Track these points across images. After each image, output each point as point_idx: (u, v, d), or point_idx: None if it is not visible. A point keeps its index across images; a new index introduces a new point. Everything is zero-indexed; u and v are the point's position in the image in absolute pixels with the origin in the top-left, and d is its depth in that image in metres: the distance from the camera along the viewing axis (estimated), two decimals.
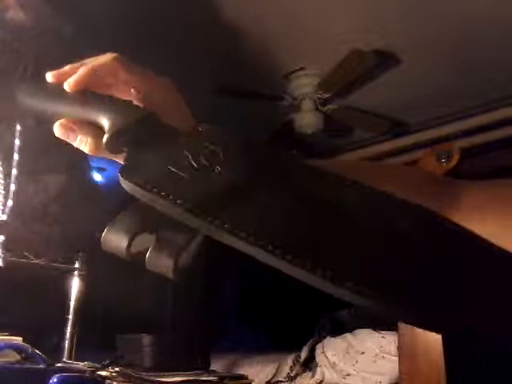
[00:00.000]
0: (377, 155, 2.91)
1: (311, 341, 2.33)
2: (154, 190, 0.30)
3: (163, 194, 0.30)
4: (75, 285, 1.82)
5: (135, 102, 0.39)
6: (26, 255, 1.69)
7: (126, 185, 0.31)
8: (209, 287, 3.20)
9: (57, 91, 0.39)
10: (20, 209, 1.51)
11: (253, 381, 1.92)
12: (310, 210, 0.30)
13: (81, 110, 0.38)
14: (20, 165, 1.53)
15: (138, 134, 0.35)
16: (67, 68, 0.39)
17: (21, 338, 1.32)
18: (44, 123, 0.42)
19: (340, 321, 2.43)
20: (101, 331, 2.12)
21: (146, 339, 1.79)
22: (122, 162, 0.35)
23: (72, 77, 0.38)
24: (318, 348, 2.24)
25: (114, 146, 0.35)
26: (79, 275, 1.83)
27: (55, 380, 1.04)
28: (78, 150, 0.40)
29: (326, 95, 2.42)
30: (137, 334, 1.85)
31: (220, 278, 3.43)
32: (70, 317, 1.77)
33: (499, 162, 2.58)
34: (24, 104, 0.42)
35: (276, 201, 0.30)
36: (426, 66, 2.26)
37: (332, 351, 2.15)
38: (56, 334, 1.86)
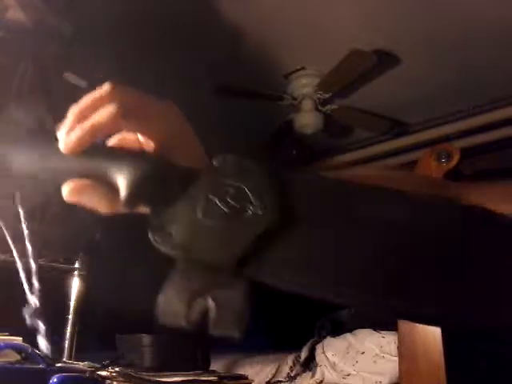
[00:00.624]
0: (377, 155, 2.91)
1: (311, 341, 2.33)
2: (191, 247, 0.29)
3: (202, 250, 0.28)
4: (75, 285, 1.82)
5: (144, 145, 0.36)
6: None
7: (162, 248, 0.29)
8: None
9: (55, 150, 0.35)
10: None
11: (253, 381, 1.92)
12: (371, 238, 0.27)
13: (87, 168, 0.35)
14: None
15: (156, 186, 0.32)
16: (66, 125, 0.35)
17: (21, 338, 1.32)
18: (48, 190, 0.38)
19: (340, 321, 2.43)
20: (101, 331, 2.11)
21: (146, 339, 1.79)
22: (146, 218, 0.32)
23: (70, 138, 0.34)
24: (318, 348, 2.24)
25: (133, 203, 0.33)
26: (79, 275, 1.82)
27: (55, 380, 1.03)
28: None
29: (326, 95, 2.42)
30: (137, 334, 1.84)
31: None
32: (70, 317, 1.77)
33: (499, 162, 2.58)
34: (20, 170, 0.37)
35: (330, 233, 0.28)
36: (426, 66, 2.26)
37: (332, 351, 2.15)
38: (56, 334, 1.86)
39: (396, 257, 0.26)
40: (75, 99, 0.38)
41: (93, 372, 1.28)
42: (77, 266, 1.84)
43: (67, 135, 0.34)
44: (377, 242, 0.27)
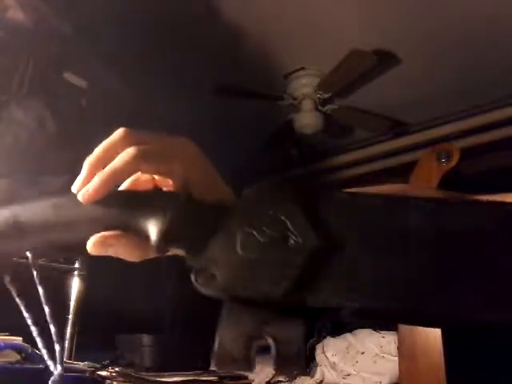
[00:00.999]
0: (377, 155, 2.91)
1: (311, 341, 2.33)
2: (237, 286, 0.27)
3: (248, 286, 0.27)
4: (75, 285, 1.82)
5: (163, 185, 0.35)
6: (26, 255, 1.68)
7: (207, 291, 0.28)
8: None
9: (72, 202, 0.33)
10: None
11: (253, 381, 1.92)
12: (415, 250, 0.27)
13: (110, 217, 0.32)
14: (20, 165, 1.53)
15: (188, 226, 0.31)
16: (83, 175, 0.34)
17: (21, 338, 1.32)
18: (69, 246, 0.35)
19: (340, 321, 2.43)
20: (101, 331, 2.11)
21: (146, 339, 1.79)
22: (187, 262, 0.31)
23: (91, 185, 0.32)
24: (318, 348, 2.24)
25: (166, 247, 0.31)
26: (79, 275, 1.82)
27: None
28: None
29: (326, 95, 2.42)
30: (137, 334, 1.85)
31: None
32: (70, 317, 1.77)
33: (499, 162, 2.58)
34: (35, 228, 0.33)
35: (372, 252, 0.28)
36: (426, 66, 2.26)
37: (332, 351, 2.15)
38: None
39: (445, 264, 0.26)
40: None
41: (93, 372, 1.28)
42: (77, 266, 1.84)
43: (84, 184, 0.33)
44: (422, 251, 0.27)
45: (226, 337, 0.28)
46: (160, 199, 0.32)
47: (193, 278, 0.29)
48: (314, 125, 2.48)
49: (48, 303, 0.39)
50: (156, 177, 0.35)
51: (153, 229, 0.31)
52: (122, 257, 0.34)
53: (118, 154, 0.32)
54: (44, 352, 0.36)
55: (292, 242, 0.28)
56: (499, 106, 2.47)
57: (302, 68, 2.35)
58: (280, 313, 0.28)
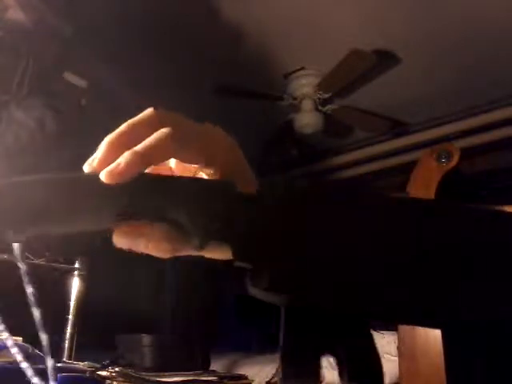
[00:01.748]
0: (377, 155, 2.91)
1: None
2: (291, 286, 0.25)
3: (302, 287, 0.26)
4: (75, 285, 1.82)
5: (200, 173, 0.31)
6: (26, 255, 1.68)
7: (269, 297, 0.26)
8: (209, 287, 3.20)
9: (92, 187, 0.26)
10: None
11: (253, 381, 1.92)
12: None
13: (139, 204, 0.27)
14: (20, 165, 1.53)
15: (233, 223, 0.27)
16: (99, 153, 0.28)
17: (21, 338, 1.32)
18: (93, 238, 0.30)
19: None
20: (101, 331, 2.11)
21: (146, 339, 1.79)
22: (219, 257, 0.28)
23: (114, 165, 0.27)
24: None
25: (208, 243, 0.26)
26: (79, 275, 1.82)
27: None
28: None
29: (326, 95, 2.42)
30: (137, 334, 1.85)
31: (220, 278, 3.43)
32: (70, 317, 1.77)
33: (499, 162, 2.58)
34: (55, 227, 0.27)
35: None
36: (426, 66, 2.26)
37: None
38: (56, 334, 1.86)
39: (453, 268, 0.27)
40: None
41: (93, 372, 1.28)
42: (77, 266, 1.84)
43: (102, 164, 0.27)
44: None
45: (292, 349, 0.26)
46: (204, 188, 0.28)
47: (249, 282, 0.25)
48: (314, 125, 2.48)
49: (39, 306, 0.32)
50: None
51: (195, 222, 0.26)
52: (150, 251, 0.29)
53: (146, 135, 0.28)
54: (28, 370, 0.33)
55: None
56: (499, 106, 2.47)
57: (302, 68, 2.35)
58: (347, 323, 0.27)
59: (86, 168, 0.28)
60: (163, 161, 0.29)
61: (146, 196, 0.27)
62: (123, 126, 0.28)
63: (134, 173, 0.26)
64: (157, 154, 0.27)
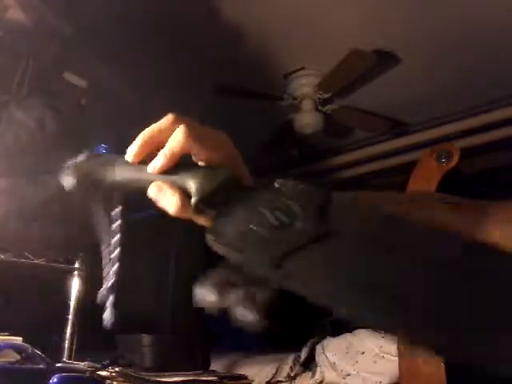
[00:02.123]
0: (377, 155, 2.91)
1: (311, 341, 2.33)
2: (239, 248, 0.33)
3: (247, 253, 0.33)
4: (75, 285, 1.82)
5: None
6: (26, 255, 1.69)
7: (215, 246, 0.34)
8: None
9: (142, 166, 0.41)
10: (20, 209, 1.51)
11: (253, 381, 1.92)
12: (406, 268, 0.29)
13: (169, 177, 0.40)
14: (20, 165, 1.53)
15: (221, 197, 0.37)
16: (135, 145, 0.41)
17: (21, 338, 1.32)
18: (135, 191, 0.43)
19: (340, 321, 2.43)
20: (101, 331, 2.12)
21: (146, 339, 1.79)
22: (205, 223, 0.38)
23: (154, 163, 0.40)
24: (318, 348, 2.24)
25: (200, 209, 0.38)
26: (79, 275, 1.82)
27: (55, 380, 1.04)
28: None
29: (326, 95, 2.42)
30: (137, 334, 1.85)
31: None
32: (70, 317, 1.77)
33: (499, 162, 2.58)
34: (114, 181, 0.42)
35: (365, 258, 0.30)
36: (426, 66, 2.26)
37: (332, 351, 2.15)
38: (56, 334, 1.86)
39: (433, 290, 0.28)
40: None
41: (93, 372, 1.28)
42: (77, 265, 1.84)
43: (138, 154, 0.41)
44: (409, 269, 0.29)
45: (207, 280, 0.35)
46: (207, 170, 0.39)
47: (208, 234, 0.35)
48: (314, 125, 2.48)
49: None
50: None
51: (195, 191, 0.38)
52: (167, 207, 0.39)
53: (168, 133, 0.39)
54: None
55: (296, 228, 0.33)
56: (499, 106, 2.47)
57: (302, 68, 2.35)
58: (260, 279, 0.33)
59: (128, 157, 0.41)
60: (182, 153, 0.39)
61: (170, 172, 0.40)
62: (151, 127, 0.40)
63: (168, 166, 0.39)
64: (178, 148, 0.39)
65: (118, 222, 0.43)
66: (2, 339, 1.26)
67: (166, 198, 0.40)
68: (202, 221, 0.40)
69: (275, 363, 2.33)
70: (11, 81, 1.55)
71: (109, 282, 0.41)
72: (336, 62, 2.12)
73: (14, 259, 1.65)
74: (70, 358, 1.71)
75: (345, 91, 2.40)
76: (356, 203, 0.36)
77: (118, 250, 0.42)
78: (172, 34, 2.06)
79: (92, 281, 1.88)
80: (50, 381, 1.03)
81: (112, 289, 0.40)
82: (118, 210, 0.43)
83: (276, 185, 0.37)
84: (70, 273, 1.83)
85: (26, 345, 1.20)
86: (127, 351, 1.79)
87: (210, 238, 0.35)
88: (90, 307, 1.87)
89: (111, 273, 0.41)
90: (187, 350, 1.89)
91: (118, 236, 0.42)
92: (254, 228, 0.34)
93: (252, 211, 0.35)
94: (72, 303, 1.79)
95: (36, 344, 1.24)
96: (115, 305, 0.39)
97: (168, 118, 0.40)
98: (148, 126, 0.41)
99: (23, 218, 1.52)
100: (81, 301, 1.82)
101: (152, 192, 0.40)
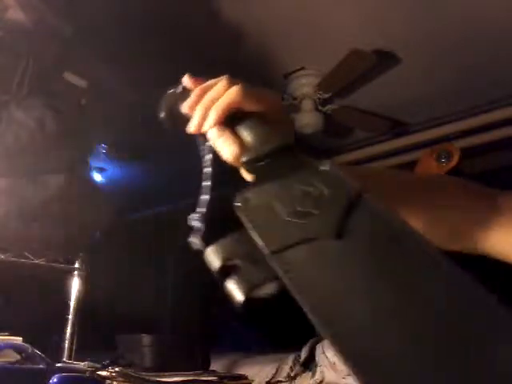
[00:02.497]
0: (377, 155, 2.91)
1: (311, 341, 2.33)
2: (255, 224, 0.32)
3: (259, 230, 0.32)
4: (75, 285, 1.82)
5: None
6: (26, 255, 1.69)
7: (237, 211, 0.33)
8: (209, 287, 3.20)
9: None
10: (20, 209, 1.51)
11: (253, 381, 1.92)
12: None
13: (232, 126, 0.42)
14: (20, 165, 1.53)
15: (270, 161, 0.38)
16: (193, 98, 0.45)
17: (21, 338, 1.32)
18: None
19: None
20: (101, 331, 2.11)
21: (146, 339, 1.79)
22: (249, 179, 0.39)
23: (208, 120, 0.43)
24: (318, 348, 2.24)
25: (248, 167, 0.39)
26: (79, 275, 1.82)
27: (55, 380, 1.04)
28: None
29: (326, 95, 2.42)
30: (137, 334, 1.85)
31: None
32: (70, 317, 1.77)
33: (499, 162, 2.58)
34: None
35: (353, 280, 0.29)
36: (426, 66, 2.26)
37: (332, 351, 2.15)
38: (56, 334, 1.86)
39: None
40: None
41: (93, 372, 1.28)
42: (77, 265, 1.84)
43: (191, 107, 0.44)
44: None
45: (218, 244, 0.33)
46: (267, 132, 0.40)
47: (236, 198, 0.34)
48: (314, 125, 2.48)
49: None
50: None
51: (249, 149, 0.39)
52: (224, 153, 0.41)
53: (222, 89, 0.43)
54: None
55: (311, 219, 0.31)
56: (499, 106, 2.47)
57: (302, 68, 2.35)
58: (262, 258, 0.31)
59: (184, 110, 0.45)
60: (236, 106, 0.42)
61: (232, 120, 0.42)
62: (207, 83, 0.46)
63: (218, 123, 0.42)
64: (232, 101, 0.42)
65: (210, 155, 0.44)
66: (2, 339, 1.26)
67: (226, 144, 0.41)
68: (247, 177, 0.41)
69: (275, 363, 2.33)
70: (11, 81, 1.55)
71: (200, 210, 0.41)
72: (336, 62, 2.12)
73: (13, 259, 1.65)
74: (70, 358, 1.71)
75: (345, 91, 2.40)
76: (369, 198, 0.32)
77: (208, 183, 0.43)
78: (172, 34, 2.06)
79: (92, 281, 1.88)
80: (50, 381, 1.03)
81: (202, 218, 0.40)
82: (209, 143, 0.43)
83: (321, 167, 0.35)
84: (70, 273, 1.83)
85: (26, 345, 1.20)
86: (127, 351, 1.79)
87: (236, 201, 0.33)
88: (89, 307, 1.88)
89: (201, 202, 0.42)
90: (187, 349, 1.89)
91: (210, 169, 0.43)
92: (277, 207, 0.32)
93: (285, 189, 0.34)
94: (72, 303, 1.80)
95: (36, 344, 1.24)
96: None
97: (222, 77, 0.44)
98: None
99: (23, 218, 1.52)
100: (81, 301, 1.82)
101: (213, 135, 0.42)
